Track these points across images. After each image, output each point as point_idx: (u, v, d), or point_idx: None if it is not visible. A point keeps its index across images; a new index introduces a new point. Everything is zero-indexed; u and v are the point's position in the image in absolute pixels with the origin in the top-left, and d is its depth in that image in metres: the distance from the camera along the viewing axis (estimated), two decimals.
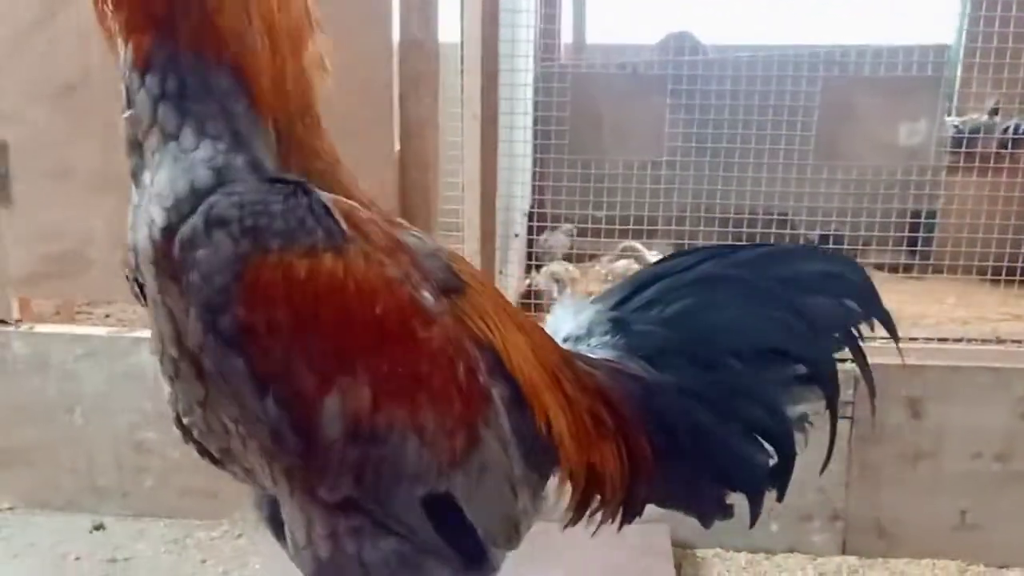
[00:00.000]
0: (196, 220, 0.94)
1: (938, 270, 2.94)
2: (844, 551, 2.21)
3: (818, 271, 1.33)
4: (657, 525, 2.26)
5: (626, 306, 1.34)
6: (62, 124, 2.09)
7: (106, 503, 2.32)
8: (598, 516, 1.32)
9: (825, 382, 1.31)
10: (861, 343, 1.35)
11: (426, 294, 1.10)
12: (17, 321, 2.27)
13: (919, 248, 3.10)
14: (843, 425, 2.17)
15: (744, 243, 1.51)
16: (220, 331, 0.95)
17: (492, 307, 1.22)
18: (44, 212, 2.18)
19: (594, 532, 1.31)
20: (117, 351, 2.25)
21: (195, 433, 1.10)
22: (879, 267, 3.26)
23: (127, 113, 1.02)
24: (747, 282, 1.30)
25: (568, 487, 1.28)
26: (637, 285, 1.36)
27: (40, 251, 2.22)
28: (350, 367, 1.01)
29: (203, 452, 1.15)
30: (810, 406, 1.34)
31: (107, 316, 3.08)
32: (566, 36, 3.60)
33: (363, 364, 1.02)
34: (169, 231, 0.97)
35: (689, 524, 2.17)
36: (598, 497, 1.30)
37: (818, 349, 1.29)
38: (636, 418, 1.27)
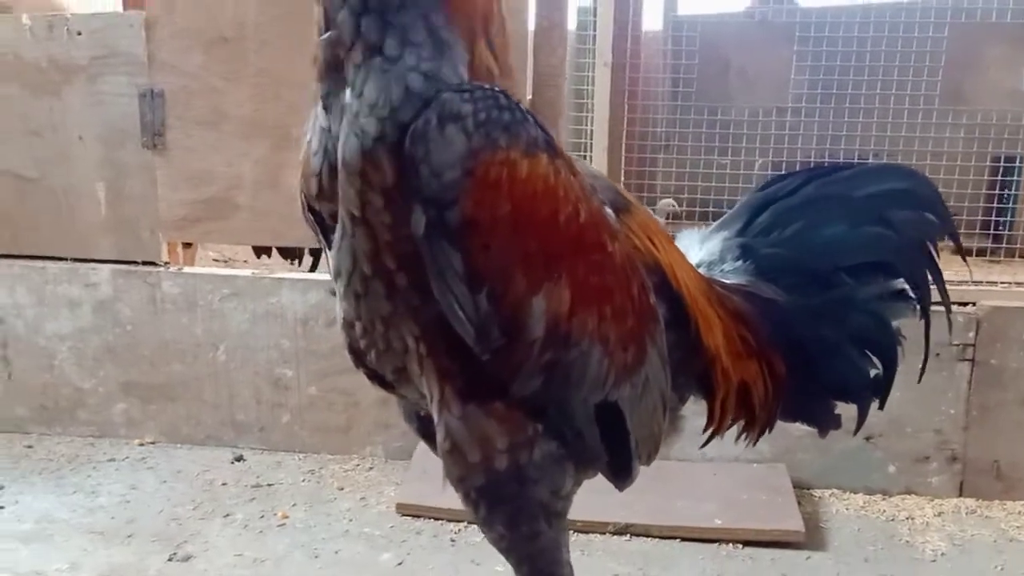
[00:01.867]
0: (430, 114, 0.99)
1: None
2: (961, 493, 2.24)
3: (901, 188, 1.41)
4: (775, 465, 2.33)
5: (748, 231, 1.42)
6: (216, 74, 2.23)
7: (244, 437, 2.47)
8: (732, 433, 1.41)
9: (918, 290, 1.39)
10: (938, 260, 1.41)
11: (608, 210, 1.18)
12: (166, 264, 2.43)
13: None
14: (963, 367, 2.20)
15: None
16: (445, 225, 1.00)
17: (654, 226, 1.31)
18: (195, 159, 2.33)
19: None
20: (259, 291, 2.39)
21: (371, 356, 1.16)
22: None
23: (326, 35, 1.04)
24: (846, 199, 1.40)
25: (709, 406, 1.38)
26: (752, 211, 1.44)
27: (191, 196, 2.37)
28: (556, 269, 1.08)
29: (373, 376, 1.23)
30: (906, 321, 1.43)
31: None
32: None
33: (566, 267, 1.09)
34: (383, 140, 1.01)
35: (806, 464, 2.29)
36: (745, 416, 1.39)
37: (909, 260, 1.38)
38: (773, 338, 1.35)
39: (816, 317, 1.36)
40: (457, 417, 1.13)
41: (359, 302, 1.10)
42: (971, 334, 2.17)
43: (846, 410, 1.43)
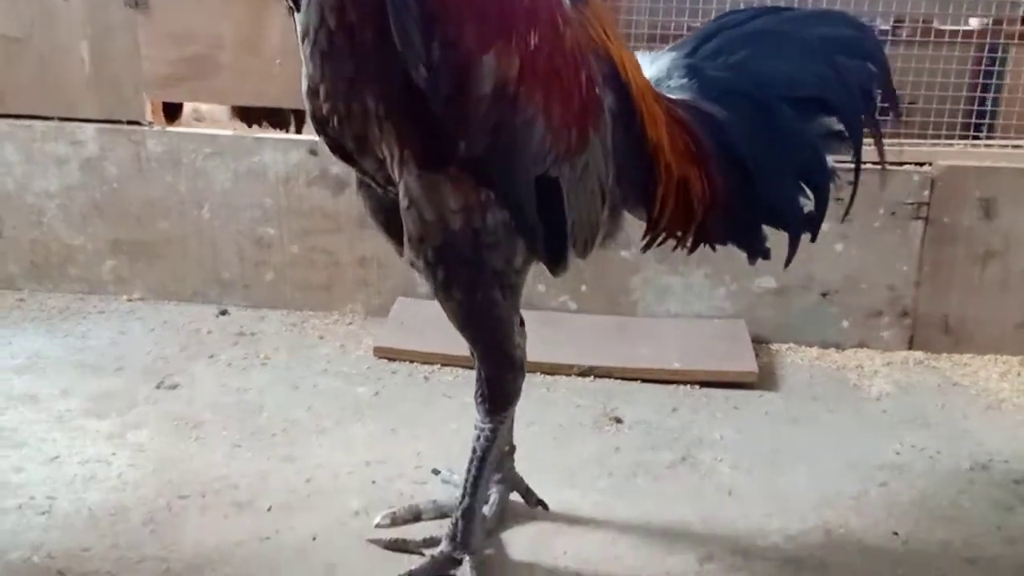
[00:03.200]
0: None
1: None
2: (911, 346, 2.36)
3: (850, 34, 1.52)
4: (735, 321, 2.45)
5: (696, 54, 1.53)
6: None
7: (229, 294, 2.56)
8: (671, 243, 1.52)
9: (854, 133, 1.48)
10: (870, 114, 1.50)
11: None
12: (150, 123, 2.49)
13: None
14: (917, 226, 2.29)
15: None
16: None
17: (610, 20, 1.38)
18: (178, 17, 2.37)
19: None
20: (241, 150, 2.46)
21: (333, 123, 1.25)
22: None
23: None
24: (796, 37, 1.49)
25: (651, 200, 1.45)
26: (702, 37, 1.54)
27: (173, 55, 2.42)
28: (506, 32, 1.18)
29: (336, 147, 1.32)
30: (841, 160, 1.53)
31: None
32: None
33: (517, 35, 1.19)
34: None
35: (765, 320, 2.41)
36: (684, 215, 1.48)
37: (850, 102, 1.47)
38: (712, 150, 1.46)
39: (756, 140, 1.46)
40: (415, 177, 1.23)
41: (323, 63, 1.19)
42: (926, 192, 2.26)
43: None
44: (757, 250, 1.57)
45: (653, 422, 2.02)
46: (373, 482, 1.74)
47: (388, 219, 1.43)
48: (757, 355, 2.32)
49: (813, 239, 1.55)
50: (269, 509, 1.64)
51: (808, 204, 1.53)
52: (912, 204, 2.27)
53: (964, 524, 1.65)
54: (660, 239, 1.51)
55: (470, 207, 1.26)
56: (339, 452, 1.84)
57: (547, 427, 1.98)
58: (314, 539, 1.56)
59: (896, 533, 1.61)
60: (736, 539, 1.60)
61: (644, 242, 1.52)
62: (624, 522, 1.64)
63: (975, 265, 2.28)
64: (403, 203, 1.26)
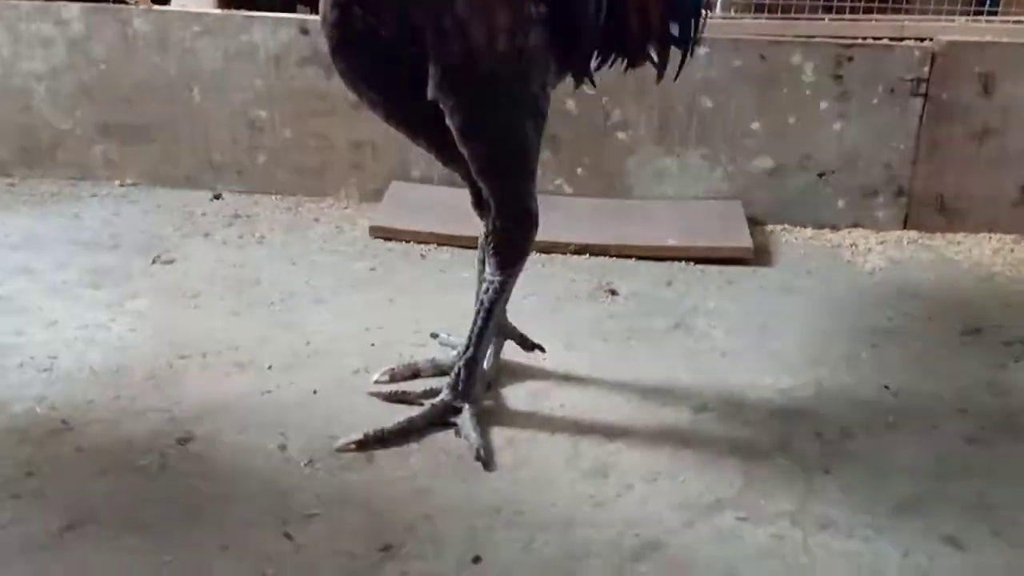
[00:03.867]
0: None
1: None
2: (905, 226, 2.37)
3: None
4: (731, 202, 2.44)
5: None
6: None
7: (222, 178, 2.54)
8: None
9: None
10: None
11: None
12: (136, 1, 2.43)
13: None
14: (916, 103, 2.27)
15: None
16: None
17: None
18: None
19: None
20: (230, 29, 2.40)
21: None
22: None
23: None
24: None
25: None
26: None
27: None
28: None
29: None
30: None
31: None
32: None
33: None
34: None
35: (761, 201, 2.41)
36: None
37: None
38: None
39: None
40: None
41: None
42: (925, 68, 2.24)
43: None
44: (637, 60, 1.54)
45: (648, 294, 2.04)
46: (372, 345, 1.76)
47: (374, 72, 1.40)
48: (752, 235, 2.33)
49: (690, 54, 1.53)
50: (270, 368, 1.65)
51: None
52: (912, 80, 2.24)
53: (956, 380, 1.68)
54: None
55: (517, 25, 1.28)
56: (338, 319, 1.85)
57: (544, 298, 1.99)
58: (315, 392, 1.57)
59: (887, 387, 1.64)
60: (729, 393, 1.63)
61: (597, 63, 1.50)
62: (619, 380, 1.67)
63: (972, 142, 2.27)
64: (446, 31, 1.25)
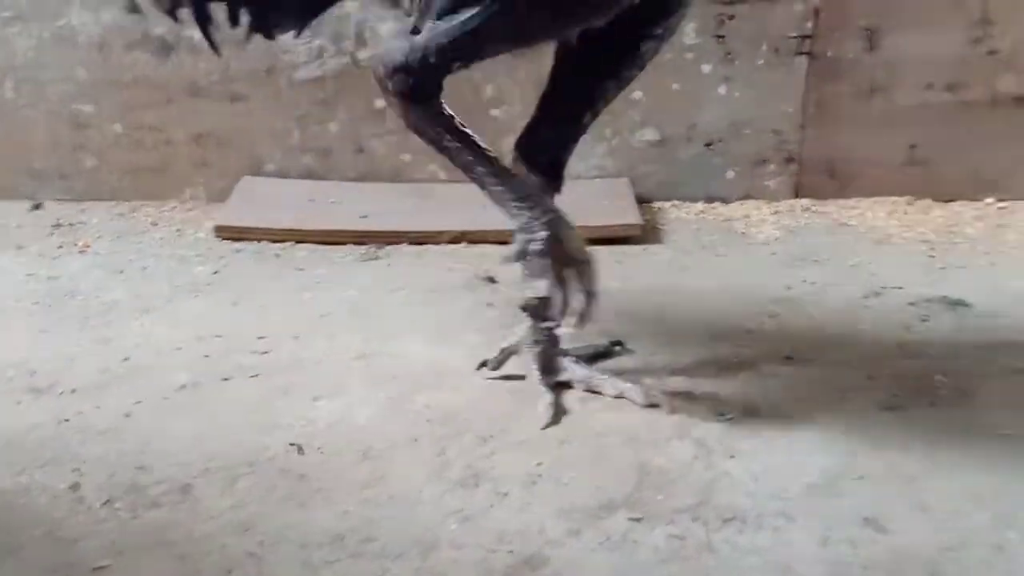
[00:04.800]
0: None
1: None
2: (798, 194, 2.23)
3: None
4: (619, 179, 2.28)
5: None
6: None
7: (45, 187, 2.20)
8: None
9: None
10: None
11: None
12: None
13: None
14: (800, 61, 2.15)
15: None
16: None
17: None
18: None
19: None
20: (45, 12, 2.09)
21: None
22: None
23: None
24: None
25: None
26: None
27: None
28: None
29: None
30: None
31: None
32: None
33: None
34: None
35: (648, 177, 2.25)
36: None
37: None
38: None
39: None
40: None
41: None
42: (809, 24, 2.12)
43: None
44: None
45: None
46: (206, 356, 1.49)
47: None
48: (642, 213, 2.18)
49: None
50: (73, 391, 1.37)
51: None
52: (796, 38, 2.13)
53: (863, 345, 1.53)
54: None
55: None
56: (166, 329, 1.58)
57: (415, 291, 1.76)
58: (127, 416, 1.30)
59: (790, 357, 1.47)
60: (621, 379, 1.45)
61: None
62: (498, 373, 1.45)
63: (860, 101, 2.17)
64: None
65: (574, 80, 1.41)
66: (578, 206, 2.13)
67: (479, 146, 1.30)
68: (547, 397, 1.35)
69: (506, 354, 1.45)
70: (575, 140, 1.46)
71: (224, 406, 1.35)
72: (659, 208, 2.22)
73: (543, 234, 1.31)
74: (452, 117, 1.29)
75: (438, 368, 1.47)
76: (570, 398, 1.36)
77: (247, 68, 2.16)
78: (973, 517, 1.09)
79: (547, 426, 1.30)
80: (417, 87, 1.24)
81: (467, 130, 1.30)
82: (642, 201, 2.26)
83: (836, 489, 1.14)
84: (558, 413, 1.33)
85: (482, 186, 1.34)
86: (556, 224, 1.33)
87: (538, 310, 1.39)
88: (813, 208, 2.21)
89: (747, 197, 2.25)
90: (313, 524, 1.09)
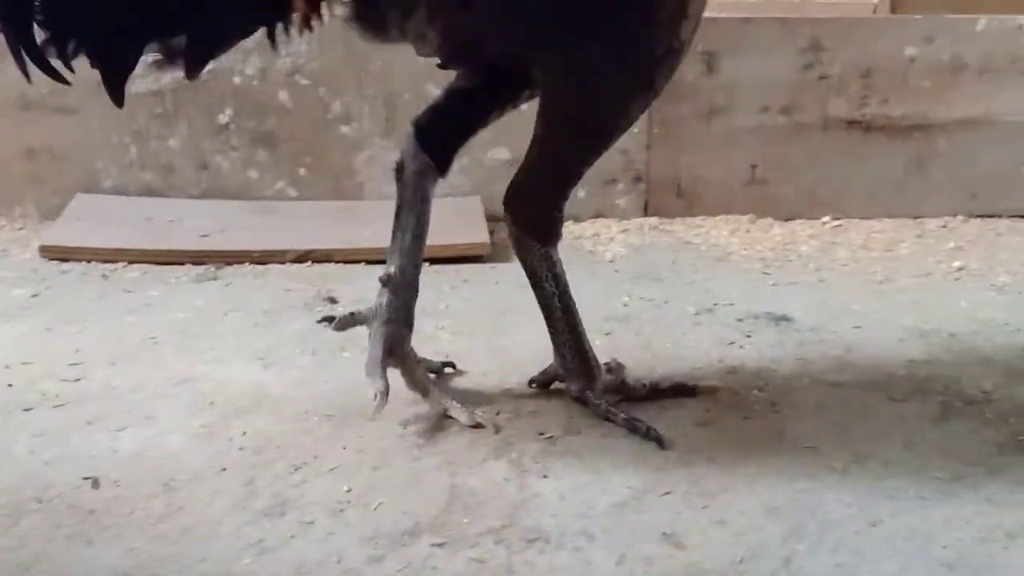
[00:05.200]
0: None
1: None
2: (646, 212, 2.30)
3: None
4: (471, 198, 2.28)
5: None
6: None
7: None
8: None
9: None
10: None
11: None
12: None
13: None
14: None
15: None
16: None
17: None
18: None
19: None
20: None
21: None
22: None
23: None
24: None
25: None
26: None
27: None
28: None
29: None
30: None
31: None
32: None
33: None
34: None
35: (499, 196, 2.21)
36: None
37: None
38: None
39: None
40: None
41: None
42: None
43: None
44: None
45: (372, 299, 1.82)
46: (9, 385, 1.40)
47: None
48: (493, 231, 2.18)
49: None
50: None
51: None
52: None
53: (687, 360, 1.56)
54: None
55: None
56: None
57: (250, 314, 1.71)
58: None
59: None
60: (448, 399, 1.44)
61: None
62: (323, 396, 1.41)
63: (701, 122, 2.25)
64: None
65: (483, 86, 1.39)
66: (430, 226, 2.15)
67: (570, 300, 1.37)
68: (379, 383, 1.29)
69: (354, 320, 1.41)
70: (473, 133, 1.45)
71: (19, 438, 1.27)
72: None
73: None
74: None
75: (260, 393, 1.42)
76: (391, 427, 1.34)
77: (79, 79, 2.07)
78: (766, 530, 1.12)
79: (375, 416, 1.25)
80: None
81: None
82: (496, 219, 2.28)
83: (640, 506, 1.16)
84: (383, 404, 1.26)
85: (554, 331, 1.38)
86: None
87: (397, 286, 1.36)
88: (661, 227, 2.27)
89: (598, 216, 2.30)
90: (98, 562, 1.03)
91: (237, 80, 2.14)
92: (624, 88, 1.27)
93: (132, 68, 1.13)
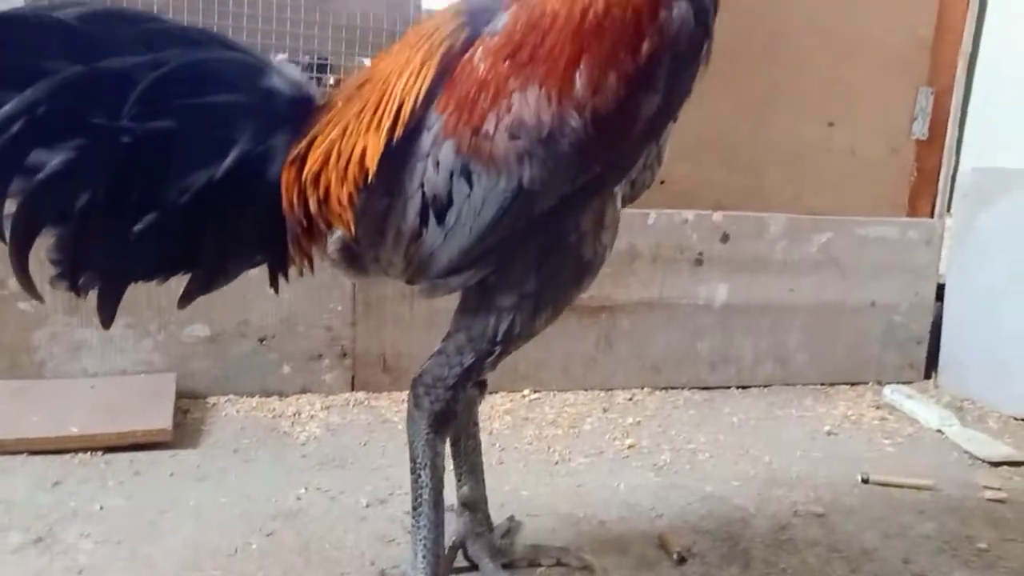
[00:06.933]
0: None
1: None
2: (353, 388, 2.34)
3: None
4: (164, 375, 2.21)
5: None
6: None
7: None
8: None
9: None
10: None
11: None
12: None
13: None
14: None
15: None
16: None
17: None
18: None
19: None
20: None
21: None
22: None
23: None
24: None
25: None
26: None
27: None
28: None
29: None
30: None
31: None
32: None
33: None
34: None
35: (201, 373, 2.22)
36: None
37: None
38: None
39: None
40: None
41: None
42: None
43: None
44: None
45: (19, 501, 1.68)
46: None
47: None
48: (188, 411, 2.12)
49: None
50: None
51: None
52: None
53: (341, 564, 1.54)
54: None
55: None
56: None
57: None
58: None
59: None
60: None
61: None
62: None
63: (404, 303, 2.34)
64: None
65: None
66: (109, 407, 2.04)
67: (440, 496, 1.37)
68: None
69: (454, 551, 1.53)
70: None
71: None
72: (213, 404, 2.20)
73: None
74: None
75: None
76: None
77: None
78: None
79: None
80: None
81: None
82: (196, 396, 2.22)
83: None
84: None
85: (416, 520, 1.37)
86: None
87: (477, 503, 1.54)
88: (367, 401, 2.31)
89: (304, 391, 2.30)
90: None
91: None
92: (553, 298, 1.31)
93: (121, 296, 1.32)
